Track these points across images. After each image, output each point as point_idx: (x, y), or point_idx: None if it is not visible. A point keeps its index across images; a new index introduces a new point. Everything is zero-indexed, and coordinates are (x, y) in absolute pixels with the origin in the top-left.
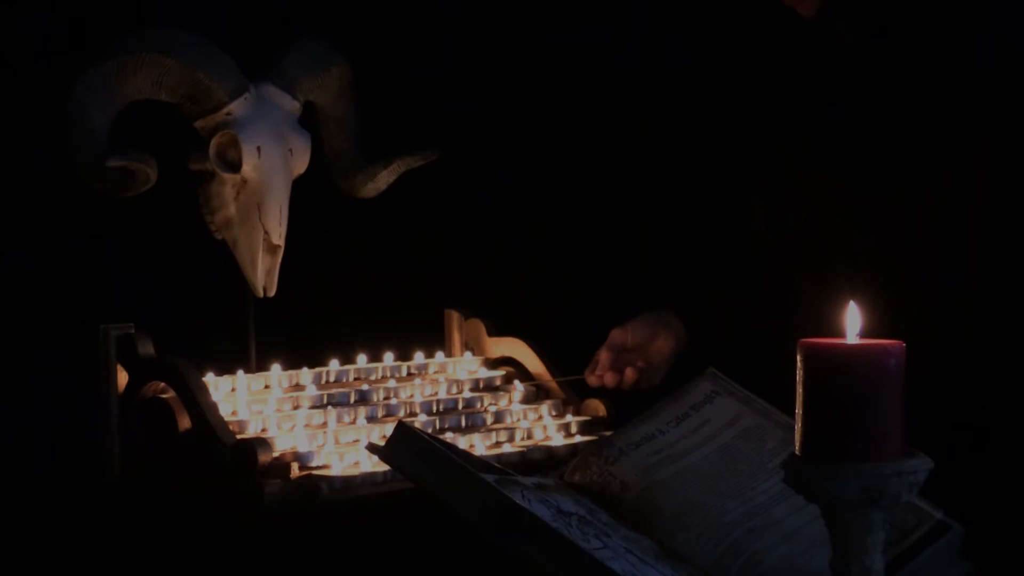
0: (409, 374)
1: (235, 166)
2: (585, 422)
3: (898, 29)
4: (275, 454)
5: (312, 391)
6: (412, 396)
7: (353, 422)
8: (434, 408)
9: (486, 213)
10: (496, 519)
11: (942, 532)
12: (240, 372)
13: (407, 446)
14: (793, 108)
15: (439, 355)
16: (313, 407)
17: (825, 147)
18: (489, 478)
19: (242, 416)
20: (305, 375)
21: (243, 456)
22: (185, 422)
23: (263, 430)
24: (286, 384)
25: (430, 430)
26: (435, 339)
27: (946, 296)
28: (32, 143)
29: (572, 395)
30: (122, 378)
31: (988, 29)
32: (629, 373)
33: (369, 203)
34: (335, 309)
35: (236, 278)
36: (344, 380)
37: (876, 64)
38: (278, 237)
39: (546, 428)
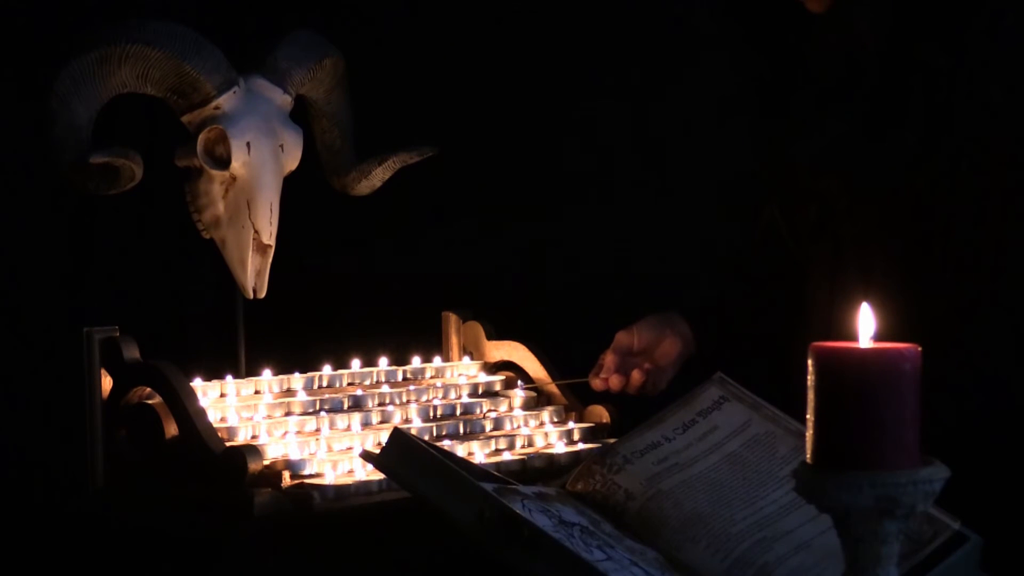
0: (405, 379)
1: (224, 162)
2: (588, 429)
3: (914, 28)
4: (266, 462)
5: (304, 397)
6: (408, 402)
7: (347, 429)
8: (431, 414)
9: (485, 211)
10: (496, 530)
11: (960, 543)
12: (229, 377)
13: (403, 454)
14: (807, 106)
15: (436, 359)
16: (305, 413)
17: (839, 146)
18: (488, 487)
19: (231, 422)
20: (296, 380)
21: (232, 464)
22: (172, 429)
23: (253, 437)
24: (277, 389)
25: (427, 437)
26: (432, 343)
27: (962, 298)
28: (10, 138)
29: (575, 401)
30: (106, 383)
31: (1004, 27)
32: (636, 375)
33: (363, 201)
34: (328, 311)
35: (225, 279)
36: (337, 385)
37: (892, 63)
38: (268, 236)
39: (548, 435)
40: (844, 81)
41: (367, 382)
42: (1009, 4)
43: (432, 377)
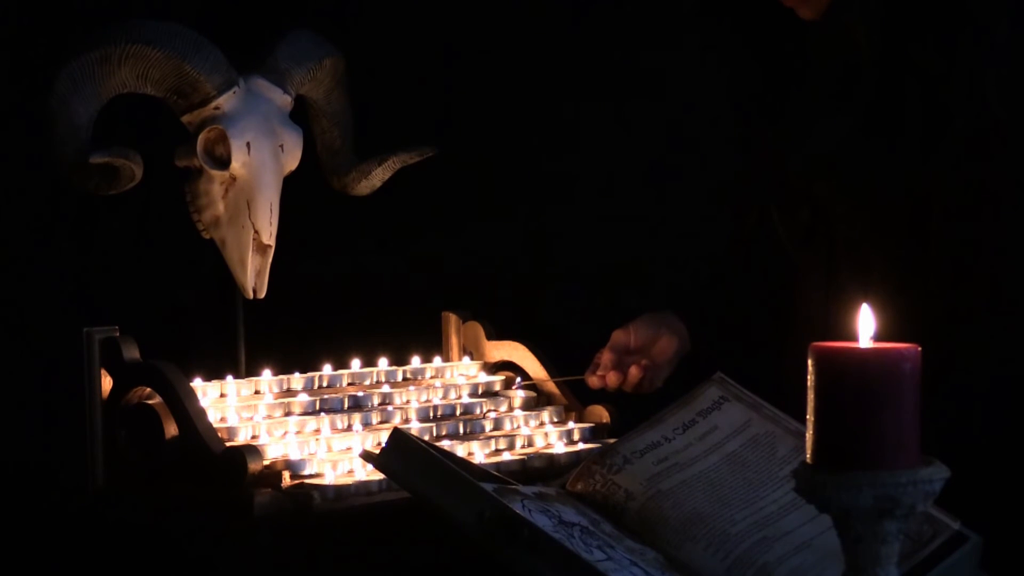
0: (405, 379)
1: (224, 163)
2: (588, 429)
3: (908, 33)
4: (266, 462)
5: (304, 397)
6: (408, 402)
7: (347, 429)
8: (431, 414)
9: (484, 212)
10: (495, 530)
11: (960, 543)
12: (229, 377)
13: (403, 454)
14: (803, 112)
15: (436, 359)
16: (305, 413)
17: (835, 151)
18: (488, 487)
19: (231, 423)
20: (297, 380)
21: (232, 464)
22: (172, 429)
23: (253, 437)
24: (277, 389)
25: (427, 437)
26: (432, 343)
27: (960, 299)
28: (10, 138)
29: (575, 401)
30: (106, 383)
31: (1002, 31)
32: (634, 371)
33: (363, 201)
34: (328, 311)
35: (225, 279)
36: (337, 385)
37: (887, 68)
38: (268, 236)
39: (548, 435)
40: (840, 87)
41: (367, 382)
42: (1003, 7)
43: (432, 377)
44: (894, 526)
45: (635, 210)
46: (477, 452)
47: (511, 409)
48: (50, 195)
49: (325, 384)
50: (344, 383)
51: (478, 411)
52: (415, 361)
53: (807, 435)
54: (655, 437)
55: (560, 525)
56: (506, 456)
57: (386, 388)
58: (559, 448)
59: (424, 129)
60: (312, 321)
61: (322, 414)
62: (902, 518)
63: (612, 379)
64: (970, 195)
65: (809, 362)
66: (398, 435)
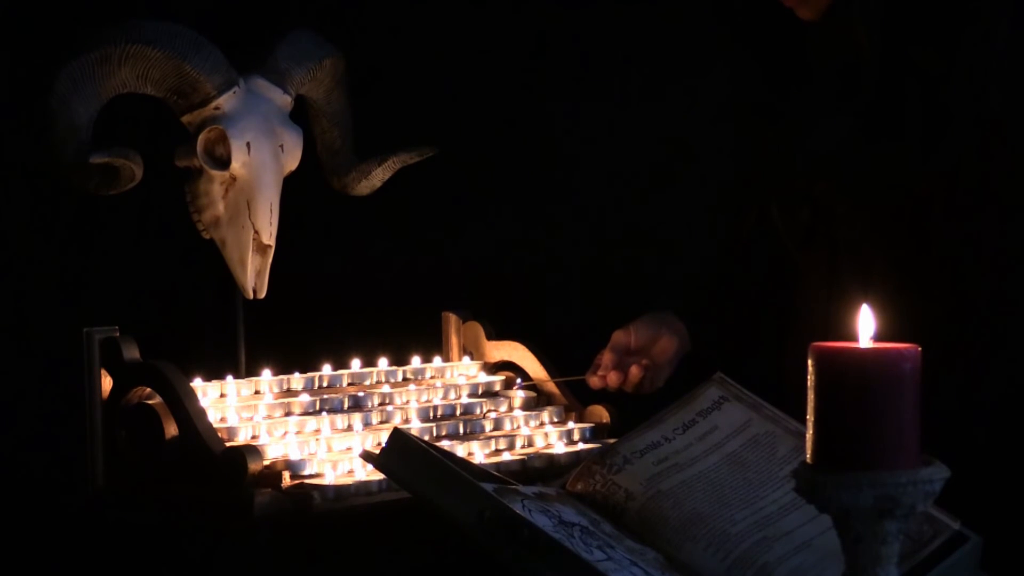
0: (405, 379)
1: (224, 163)
2: (588, 429)
3: (908, 34)
4: (266, 462)
5: (304, 397)
6: (408, 402)
7: (347, 429)
8: (431, 414)
9: (484, 212)
10: (495, 530)
11: (960, 543)
12: (229, 377)
13: (403, 454)
14: (804, 113)
15: (436, 359)
16: (305, 413)
17: (838, 150)
18: (488, 487)
19: (231, 423)
20: (297, 380)
21: (232, 464)
22: (172, 429)
23: (253, 437)
24: (277, 390)
25: (427, 437)
26: (432, 343)
27: (961, 299)
28: (10, 138)
29: (575, 401)
30: (106, 383)
31: (1002, 31)
32: (635, 370)
33: (363, 201)
34: (328, 312)
35: (225, 279)
36: (337, 385)
37: (888, 69)
38: (268, 236)
39: (548, 435)
40: (840, 87)
41: (367, 382)
42: (1003, 8)
43: (432, 377)
44: (894, 526)
45: (635, 210)
46: (477, 452)
47: (511, 409)
48: (50, 195)
49: (325, 384)
50: (344, 383)
51: (478, 411)
52: (415, 361)
53: (807, 435)
54: (655, 437)
55: (560, 525)
56: (506, 456)
57: (386, 388)
58: (559, 448)
59: (424, 129)
60: (312, 321)
61: (322, 414)
62: (902, 518)
63: (613, 379)
64: (970, 195)
65: (809, 362)
66: (398, 435)
